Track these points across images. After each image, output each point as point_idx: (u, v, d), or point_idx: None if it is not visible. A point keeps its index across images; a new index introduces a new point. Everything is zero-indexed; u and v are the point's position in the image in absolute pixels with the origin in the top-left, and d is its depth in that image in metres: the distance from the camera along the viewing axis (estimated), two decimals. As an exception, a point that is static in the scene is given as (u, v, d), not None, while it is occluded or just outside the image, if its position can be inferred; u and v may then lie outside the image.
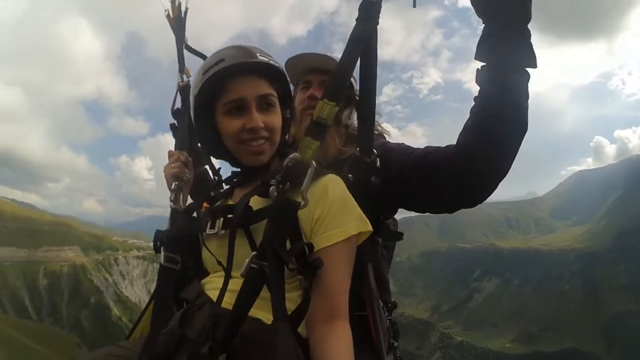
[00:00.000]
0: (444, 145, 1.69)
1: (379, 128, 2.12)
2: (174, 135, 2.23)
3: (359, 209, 1.48)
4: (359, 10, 1.51)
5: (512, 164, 1.56)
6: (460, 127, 1.59)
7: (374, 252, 1.69)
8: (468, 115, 1.57)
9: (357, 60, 1.49)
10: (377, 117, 1.78)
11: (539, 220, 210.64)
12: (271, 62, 1.54)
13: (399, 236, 1.87)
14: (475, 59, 1.54)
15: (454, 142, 1.59)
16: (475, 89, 1.56)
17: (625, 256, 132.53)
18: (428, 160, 1.68)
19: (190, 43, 2.44)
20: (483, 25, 1.54)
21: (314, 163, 1.35)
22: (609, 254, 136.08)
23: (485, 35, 1.51)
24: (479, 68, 1.54)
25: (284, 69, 1.60)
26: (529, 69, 1.49)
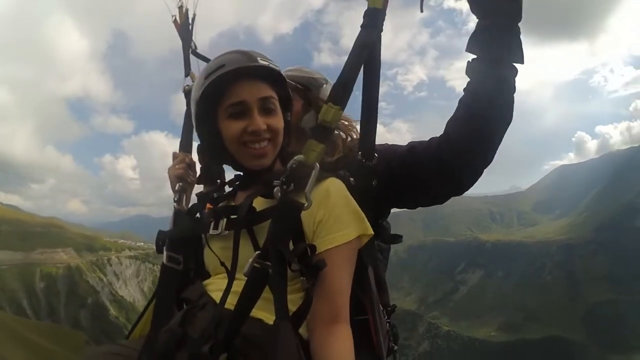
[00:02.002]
0: (427, 139, 1.77)
1: None
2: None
3: (360, 212, 1.50)
4: (364, 17, 1.55)
5: (495, 153, 1.65)
6: (443, 126, 1.66)
7: (374, 256, 1.73)
8: (452, 113, 1.65)
9: (361, 66, 1.53)
10: None
11: (521, 214, 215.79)
12: (272, 65, 1.55)
13: (398, 239, 1.92)
14: (466, 51, 1.60)
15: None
16: (458, 86, 1.63)
17: (605, 248, 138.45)
18: (413, 157, 1.75)
19: (177, 43, 2.57)
20: (477, 20, 1.58)
21: (317, 165, 1.38)
22: (590, 245, 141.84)
23: (480, 30, 1.56)
24: (470, 61, 1.60)
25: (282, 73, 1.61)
26: (517, 65, 1.56)
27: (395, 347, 1.93)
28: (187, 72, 2.44)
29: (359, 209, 1.50)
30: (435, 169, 1.68)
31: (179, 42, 2.53)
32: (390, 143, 1.95)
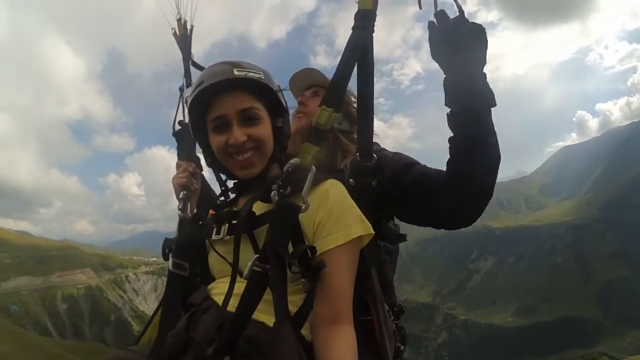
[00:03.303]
0: (439, 169, 1.76)
1: None
2: (178, 146, 2.50)
3: (360, 212, 1.50)
4: (355, 18, 1.55)
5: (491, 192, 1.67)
6: (443, 118, 1.66)
7: (377, 256, 1.72)
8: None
9: (353, 68, 1.52)
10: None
11: (528, 198, 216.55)
12: (249, 75, 1.54)
13: (402, 238, 1.93)
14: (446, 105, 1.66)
15: (439, 132, 3.15)
16: None
17: (613, 226, 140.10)
18: (425, 185, 1.74)
19: (171, 54, 2.65)
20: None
21: (313, 168, 1.38)
22: (597, 224, 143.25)
23: (452, 114, 1.63)
24: (449, 114, 1.64)
25: (266, 79, 1.59)
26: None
27: (402, 347, 1.97)
28: (189, 83, 2.51)
29: (359, 209, 1.51)
30: (442, 208, 1.74)
31: (174, 55, 2.62)
32: (402, 153, 2.00)
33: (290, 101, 1.79)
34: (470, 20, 1.58)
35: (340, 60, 1.52)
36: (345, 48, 1.53)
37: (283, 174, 1.38)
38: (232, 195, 1.84)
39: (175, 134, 2.53)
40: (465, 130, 1.61)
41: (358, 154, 1.72)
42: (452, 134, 1.66)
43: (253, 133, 1.56)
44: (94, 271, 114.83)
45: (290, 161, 1.39)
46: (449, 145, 1.67)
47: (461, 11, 1.61)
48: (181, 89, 2.70)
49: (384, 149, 2.07)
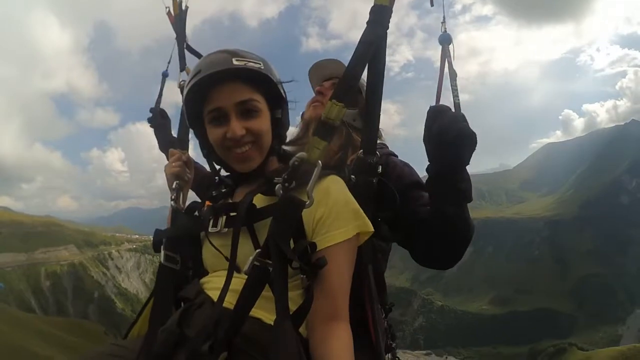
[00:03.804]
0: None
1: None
2: (155, 133, 2.54)
3: (360, 209, 1.47)
4: (370, 13, 1.53)
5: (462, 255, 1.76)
6: (431, 104, 1.66)
7: (373, 254, 1.69)
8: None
9: (366, 64, 1.52)
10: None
11: (510, 192, 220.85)
12: (249, 65, 1.48)
13: (396, 237, 1.86)
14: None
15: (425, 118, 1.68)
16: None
17: (591, 223, 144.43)
18: (414, 221, 1.73)
19: (161, 31, 5.18)
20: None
21: (320, 163, 1.35)
22: (576, 221, 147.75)
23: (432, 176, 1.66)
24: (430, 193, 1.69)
25: (266, 69, 1.53)
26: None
27: (394, 344, 1.97)
28: (183, 66, 2.44)
29: (359, 207, 1.48)
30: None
31: (163, 32, 2.80)
32: (410, 168, 2.00)
33: (298, 90, 1.73)
34: (464, 122, 1.57)
35: (353, 54, 1.49)
36: (359, 42, 1.50)
37: (289, 167, 1.35)
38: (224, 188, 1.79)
39: (150, 120, 2.61)
40: (440, 216, 1.64)
41: (361, 150, 1.69)
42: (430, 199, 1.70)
43: (252, 126, 1.52)
44: (77, 248, 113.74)
45: (297, 155, 1.35)
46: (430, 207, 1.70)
47: (458, 108, 1.64)
48: (165, 74, 2.73)
49: (393, 154, 2.10)
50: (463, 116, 1.60)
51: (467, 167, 1.59)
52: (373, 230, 1.48)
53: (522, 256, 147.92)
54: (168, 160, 2.10)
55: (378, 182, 1.67)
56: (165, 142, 2.56)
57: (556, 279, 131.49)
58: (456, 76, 1.72)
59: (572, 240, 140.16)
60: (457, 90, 1.70)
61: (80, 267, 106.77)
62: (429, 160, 1.68)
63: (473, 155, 1.57)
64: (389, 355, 1.90)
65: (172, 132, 2.61)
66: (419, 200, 1.82)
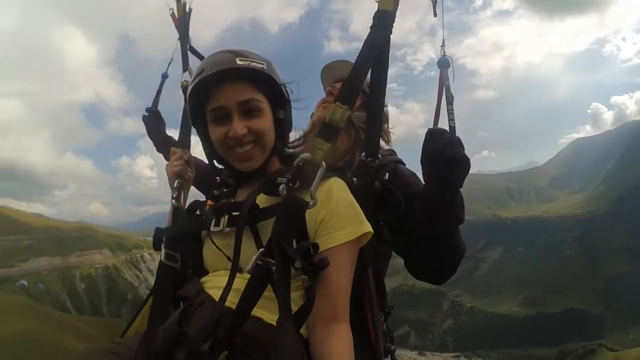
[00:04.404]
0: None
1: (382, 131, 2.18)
2: (148, 133, 2.63)
3: (361, 212, 1.48)
4: (374, 18, 1.56)
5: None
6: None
7: (374, 256, 1.70)
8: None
9: (370, 67, 1.55)
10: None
11: (539, 190, 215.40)
12: (251, 65, 1.49)
13: (396, 241, 1.86)
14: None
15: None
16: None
17: (623, 220, 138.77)
18: (413, 233, 1.77)
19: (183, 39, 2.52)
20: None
21: (324, 164, 1.35)
22: (607, 218, 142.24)
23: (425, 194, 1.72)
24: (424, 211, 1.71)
25: (269, 69, 1.54)
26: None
27: (393, 347, 1.95)
28: (185, 67, 2.44)
29: (360, 209, 1.49)
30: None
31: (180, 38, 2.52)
32: (416, 177, 2.03)
33: (308, 89, 1.76)
34: (458, 146, 1.61)
35: (357, 58, 1.52)
36: (362, 46, 1.53)
37: (293, 168, 1.36)
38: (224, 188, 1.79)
39: (144, 118, 2.70)
40: (432, 233, 1.70)
41: (364, 153, 1.71)
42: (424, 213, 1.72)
43: (253, 125, 1.52)
44: (110, 251, 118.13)
45: (301, 156, 1.36)
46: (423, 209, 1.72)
47: (453, 132, 1.68)
48: (164, 76, 2.84)
49: (401, 161, 2.14)
50: (458, 140, 1.62)
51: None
52: (373, 232, 1.47)
53: (553, 255, 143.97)
54: (166, 159, 2.15)
55: (382, 186, 1.69)
56: (160, 142, 2.69)
57: (587, 278, 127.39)
58: (453, 99, 1.74)
59: (604, 238, 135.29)
60: (453, 113, 1.72)
61: (114, 270, 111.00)
62: (424, 181, 1.74)
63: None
64: (389, 357, 1.91)
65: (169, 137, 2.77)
66: (420, 213, 1.83)
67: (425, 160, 1.68)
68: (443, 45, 1.83)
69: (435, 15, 1.82)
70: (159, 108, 2.91)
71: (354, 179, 1.65)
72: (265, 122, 1.56)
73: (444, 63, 1.81)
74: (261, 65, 1.52)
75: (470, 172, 1.65)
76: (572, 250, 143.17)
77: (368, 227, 1.46)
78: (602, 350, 67.47)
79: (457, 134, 1.67)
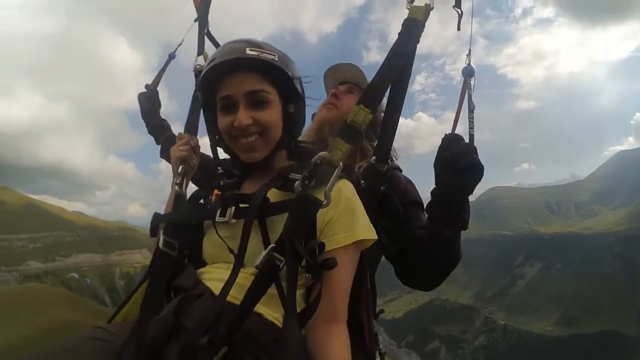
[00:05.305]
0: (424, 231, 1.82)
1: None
2: (142, 112, 2.68)
3: (367, 216, 1.48)
4: (403, 25, 1.55)
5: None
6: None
7: (373, 260, 1.74)
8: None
9: (395, 73, 1.52)
10: None
11: (580, 205, 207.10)
12: (262, 56, 1.45)
13: (393, 247, 1.84)
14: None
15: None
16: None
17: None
18: (414, 251, 1.81)
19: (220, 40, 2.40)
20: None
21: (341, 165, 1.35)
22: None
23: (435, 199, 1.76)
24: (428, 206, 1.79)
25: (281, 61, 1.50)
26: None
27: (383, 350, 1.99)
28: (201, 51, 2.41)
29: (365, 213, 1.49)
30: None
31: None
32: (412, 185, 2.07)
33: (311, 88, 1.71)
34: (474, 153, 1.65)
35: (383, 64, 1.52)
36: (389, 52, 1.53)
37: (310, 165, 1.35)
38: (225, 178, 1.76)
39: (140, 96, 2.74)
40: (435, 237, 1.75)
41: (374, 157, 1.72)
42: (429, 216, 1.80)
43: (259, 117, 1.49)
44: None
45: (320, 154, 1.35)
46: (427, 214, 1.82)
47: (472, 140, 1.71)
48: (171, 56, 2.87)
49: (398, 168, 2.16)
50: (475, 148, 1.67)
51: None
52: (377, 237, 1.47)
53: (592, 273, 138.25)
54: (157, 143, 2.25)
55: (383, 192, 1.71)
56: (153, 124, 2.73)
57: (627, 297, 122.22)
58: (474, 108, 1.78)
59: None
60: (473, 122, 1.75)
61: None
62: (435, 184, 1.75)
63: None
64: (379, 358, 1.94)
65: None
66: (417, 220, 1.90)
67: (441, 165, 1.70)
68: (469, 55, 1.86)
69: (459, 29, 1.82)
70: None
71: (362, 181, 1.67)
72: (273, 115, 1.53)
73: (468, 72, 1.84)
74: (272, 57, 1.48)
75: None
76: (611, 268, 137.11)
77: (373, 232, 1.47)
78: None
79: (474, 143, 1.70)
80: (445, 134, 1.73)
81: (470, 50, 1.87)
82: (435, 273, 1.86)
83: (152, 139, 2.75)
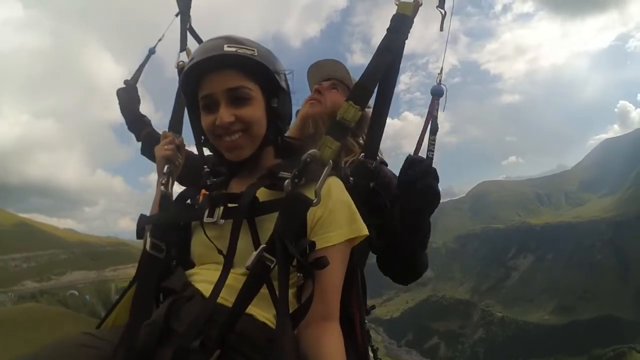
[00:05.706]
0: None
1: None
2: (120, 107, 2.50)
3: (357, 212, 1.46)
4: (392, 21, 1.55)
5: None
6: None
7: (362, 256, 1.73)
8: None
9: (384, 69, 1.52)
10: None
11: (569, 194, 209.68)
12: (240, 52, 1.42)
13: (381, 244, 1.81)
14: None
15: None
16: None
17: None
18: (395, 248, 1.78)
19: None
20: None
21: (331, 163, 1.34)
22: (638, 221, 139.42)
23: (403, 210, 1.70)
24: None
25: (260, 56, 1.45)
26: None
27: (376, 347, 1.98)
28: (184, 47, 2.33)
29: (356, 210, 1.46)
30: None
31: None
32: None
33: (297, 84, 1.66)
34: (432, 177, 1.62)
35: (372, 60, 1.52)
36: (377, 49, 1.53)
37: (300, 163, 1.33)
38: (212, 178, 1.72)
39: (119, 92, 2.57)
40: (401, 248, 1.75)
41: (363, 154, 1.72)
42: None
43: (241, 114, 1.45)
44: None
45: (309, 152, 1.33)
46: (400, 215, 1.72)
47: (430, 162, 1.65)
48: (151, 51, 2.67)
49: (384, 162, 2.12)
50: (435, 172, 1.63)
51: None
52: (367, 234, 1.46)
53: (584, 261, 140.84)
54: (137, 140, 2.23)
55: (372, 189, 1.72)
56: (132, 120, 2.57)
57: (619, 283, 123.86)
58: (437, 130, 1.69)
59: (636, 241, 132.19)
60: (434, 145, 1.68)
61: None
62: (400, 201, 1.73)
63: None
64: (371, 355, 1.93)
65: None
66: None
67: (400, 186, 1.68)
68: (440, 73, 1.74)
69: (442, 29, 1.79)
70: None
71: (351, 178, 1.67)
72: (255, 111, 1.49)
73: (436, 92, 1.72)
74: (251, 52, 1.44)
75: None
76: (602, 254, 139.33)
77: (364, 229, 1.45)
78: (632, 353, 66.60)
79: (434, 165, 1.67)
80: (409, 155, 1.68)
81: (442, 68, 1.75)
82: (404, 273, 1.90)
83: (139, 152, 2.53)
